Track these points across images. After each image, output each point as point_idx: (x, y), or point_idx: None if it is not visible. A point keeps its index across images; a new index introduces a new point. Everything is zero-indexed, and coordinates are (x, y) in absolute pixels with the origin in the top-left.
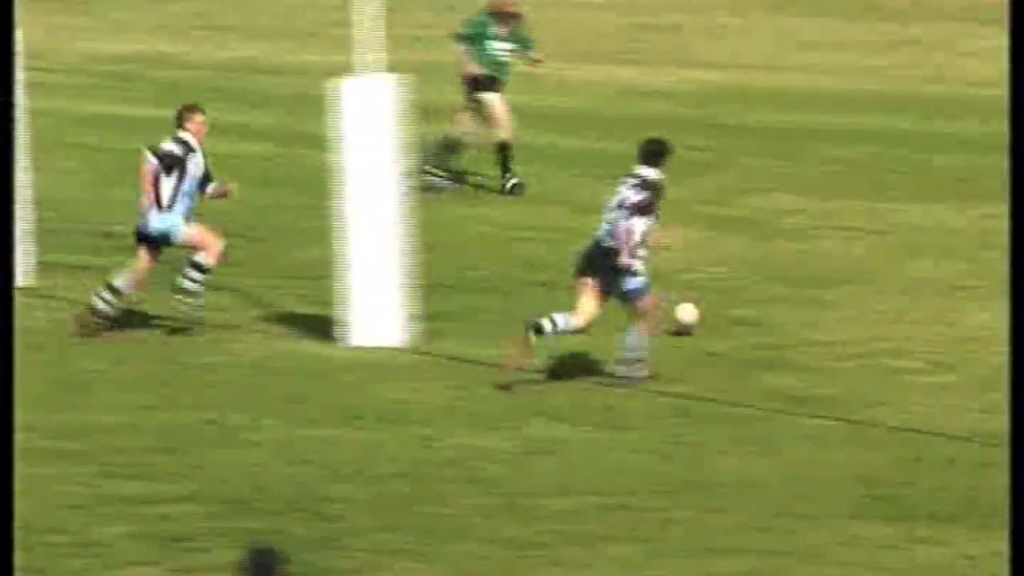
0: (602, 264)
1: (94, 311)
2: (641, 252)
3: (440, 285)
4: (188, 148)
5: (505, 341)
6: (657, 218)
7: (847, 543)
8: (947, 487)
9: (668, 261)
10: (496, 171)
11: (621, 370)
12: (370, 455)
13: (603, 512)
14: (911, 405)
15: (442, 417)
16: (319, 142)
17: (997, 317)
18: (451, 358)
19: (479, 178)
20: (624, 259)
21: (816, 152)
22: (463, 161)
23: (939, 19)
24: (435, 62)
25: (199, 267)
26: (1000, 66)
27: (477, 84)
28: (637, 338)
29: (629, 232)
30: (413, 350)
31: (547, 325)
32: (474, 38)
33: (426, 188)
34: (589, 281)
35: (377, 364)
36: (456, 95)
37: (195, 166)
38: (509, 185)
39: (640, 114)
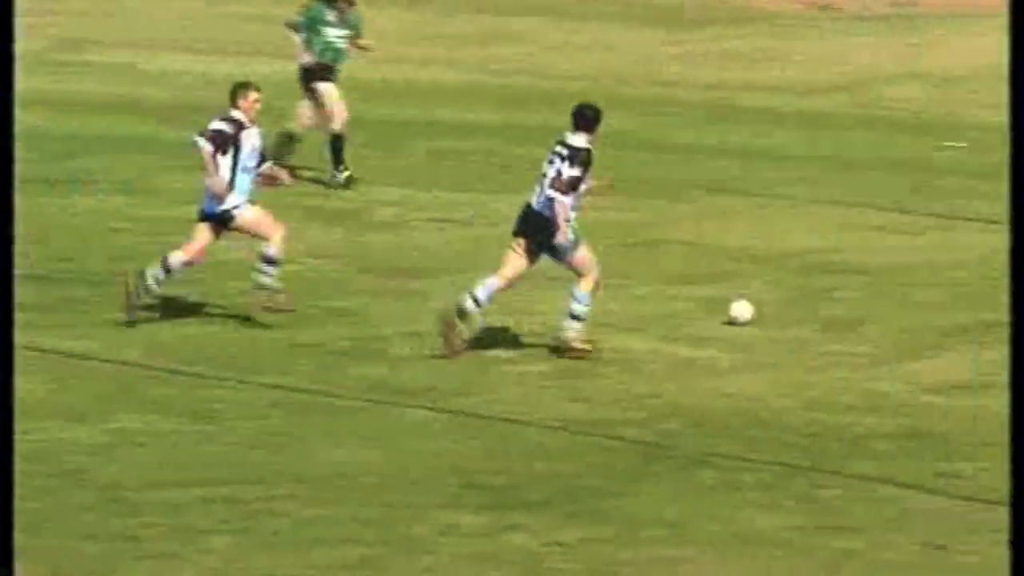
0: (537, 231)
1: (146, 288)
2: (573, 215)
3: (33, 276)
4: (240, 126)
5: (98, 333)
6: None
7: (443, 532)
8: (538, 475)
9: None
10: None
11: (574, 326)
12: None
13: (202, 504)
14: (503, 394)
15: (34, 410)
16: None
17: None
18: (43, 351)
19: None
20: (560, 237)
21: (413, 144)
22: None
23: (535, 13)
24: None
25: (271, 261)
26: (592, 60)
27: (312, 74)
28: (582, 295)
29: (564, 209)
30: None
31: (469, 304)
32: (309, 26)
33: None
34: (523, 243)
35: None
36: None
37: (249, 143)
38: (342, 178)
39: None
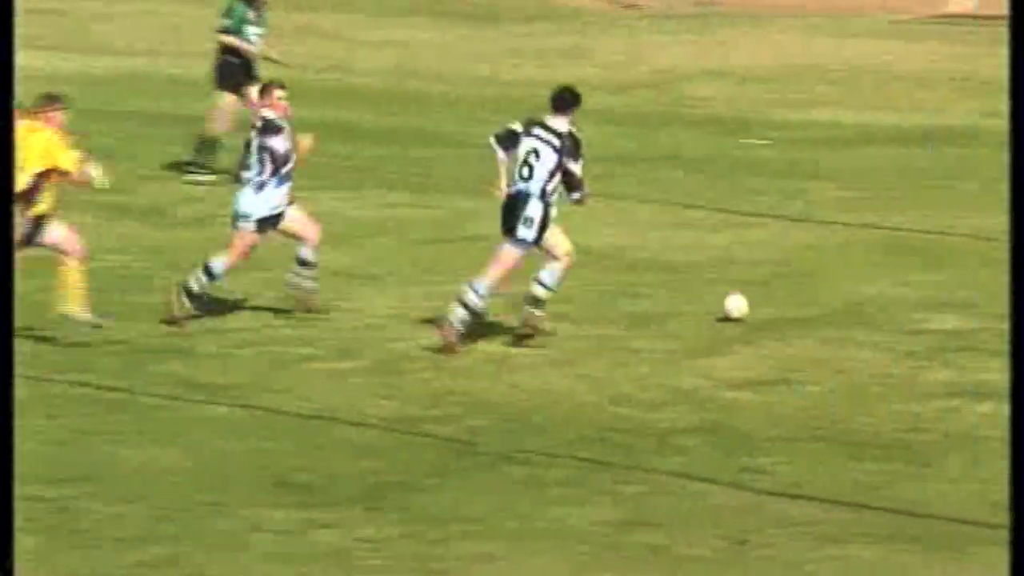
0: (510, 214)
1: (188, 293)
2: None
3: None
4: (275, 125)
5: None
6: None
7: (252, 530)
8: (347, 472)
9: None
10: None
11: (539, 291)
12: None
13: None
14: (312, 391)
15: None
16: None
17: (393, 302)
18: None
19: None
20: (531, 210)
21: (224, 141)
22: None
23: (341, 10)
24: None
25: (306, 263)
26: (393, 56)
27: (246, 72)
28: (550, 274)
29: (549, 193)
30: None
31: (461, 309)
32: (237, 28)
33: (200, 183)
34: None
35: None
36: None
37: (280, 141)
38: (195, 177)
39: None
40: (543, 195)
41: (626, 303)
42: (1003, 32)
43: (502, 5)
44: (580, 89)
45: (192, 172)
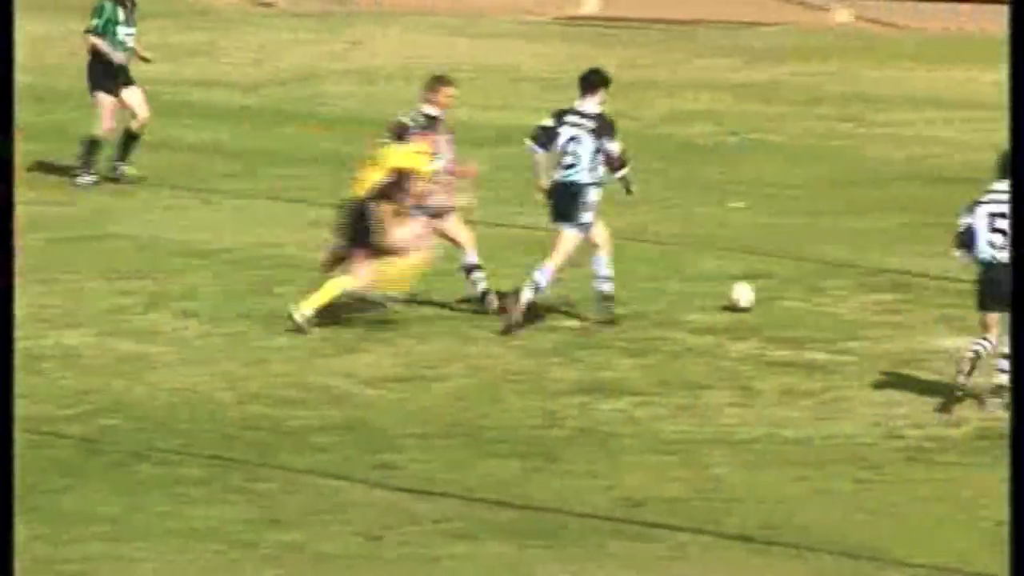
0: (568, 203)
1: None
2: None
3: None
4: (432, 121)
5: None
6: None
7: None
8: None
9: None
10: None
11: (606, 288)
12: None
13: None
14: None
15: None
16: None
17: (30, 300)
18: None
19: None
20: (589, 195)
21: None
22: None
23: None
24: None
25: (476, 267)
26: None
27: (119, 75)
28: (603, 263)
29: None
30: None
31: (530, 290)
32: (106, 28)
33: (78, 185)
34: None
35: None
36: None
37: (444, 139)
38: (120, 171)
39: None
40: (594, 178)
41: (262, 301)
42: (630, 33)
43: None
44: (211, 88)
45: (77, 175)
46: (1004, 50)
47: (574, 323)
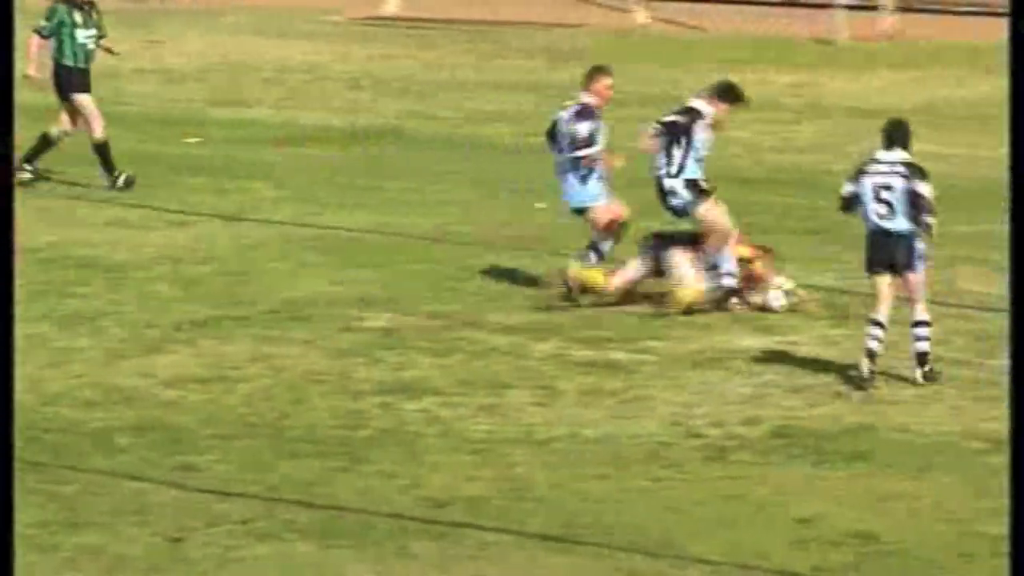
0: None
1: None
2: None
3: None
4: (590, 111)
5: None
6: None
7: None
8: None
9: None
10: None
11: (727, 281)
12: None
13: None
14: None
15: None
16: None
17: None
18: None
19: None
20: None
21: None
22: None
23: None
24: None
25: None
26: None
27: (71, 80)
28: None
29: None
30: None
31: (728, 280)
32: (58, 31)
33: (21, 183)
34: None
35: None
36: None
37: (586, 127)
38: (122, 181)
39: None
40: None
41: (62, 301)
42: (432, 34)
43: None
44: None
45: (24, 169)
46: (801, 51)
47: (376, 323)
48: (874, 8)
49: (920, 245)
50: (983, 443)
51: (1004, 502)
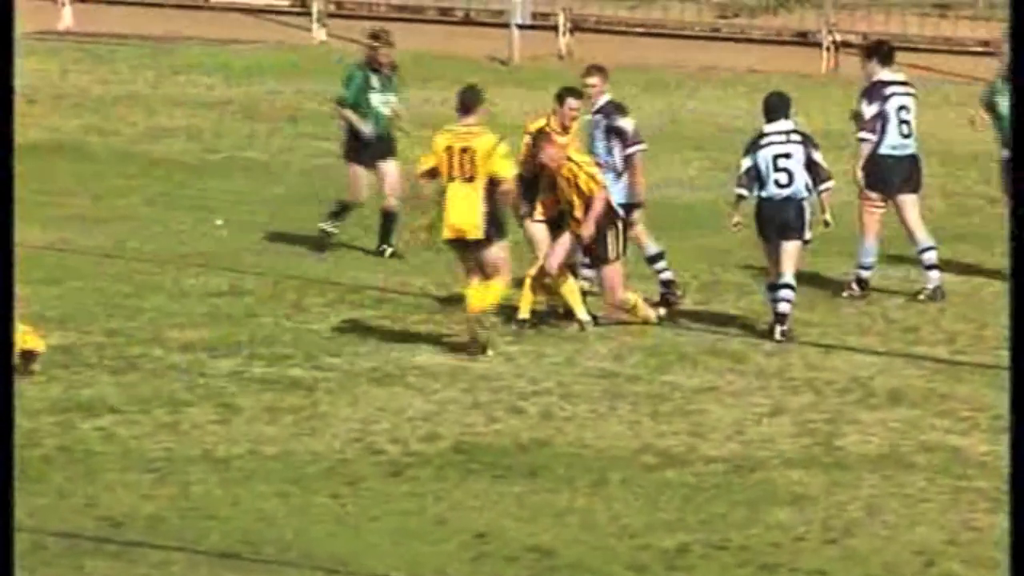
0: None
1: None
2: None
3: None
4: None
5: None
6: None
7: None
8: None
9: None
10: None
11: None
12: None
13: None
14: None
15: None
16: None
17: None
18: None
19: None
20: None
21: None
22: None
23: None
24: None
25: (660, 256)
26: None
27: (368, 149)
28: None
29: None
30: None
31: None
32: (357, 98)
33: (320, 245)
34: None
35: None
36: None
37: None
38: (388, 254)
39: None
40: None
41: None
42: (107, 49)
43: None
44: None
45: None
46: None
47: (51, 341)
48: (549, 29)
49: (808, 212)
50: (656, 458)
51: (676, 515)
